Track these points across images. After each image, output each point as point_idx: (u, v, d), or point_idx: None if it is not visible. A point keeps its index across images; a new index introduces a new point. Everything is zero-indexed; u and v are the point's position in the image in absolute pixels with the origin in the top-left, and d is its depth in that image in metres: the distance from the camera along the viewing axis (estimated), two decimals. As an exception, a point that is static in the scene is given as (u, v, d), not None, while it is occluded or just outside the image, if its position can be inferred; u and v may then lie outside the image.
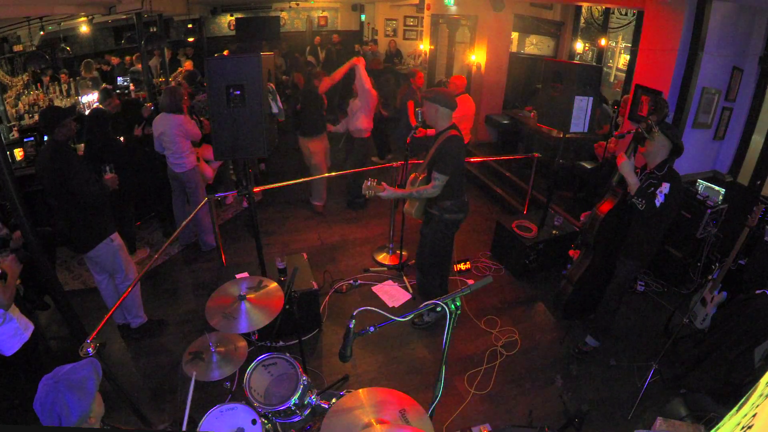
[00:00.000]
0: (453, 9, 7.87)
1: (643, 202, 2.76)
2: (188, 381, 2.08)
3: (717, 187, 4.02)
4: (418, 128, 3.80)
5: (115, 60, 8.19)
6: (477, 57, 7.60)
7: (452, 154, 3.08)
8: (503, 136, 7.16)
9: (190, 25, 10.22)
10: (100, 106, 4.84)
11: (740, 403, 0.92)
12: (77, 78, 6.94)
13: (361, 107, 5.14)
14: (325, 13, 12.63)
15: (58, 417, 1.42)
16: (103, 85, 6.40)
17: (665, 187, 2.73)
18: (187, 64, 8.13)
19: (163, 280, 4.31)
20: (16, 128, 5.42)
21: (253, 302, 2.40)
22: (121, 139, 4.43)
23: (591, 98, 3.63)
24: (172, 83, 6.56)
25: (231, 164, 5.78)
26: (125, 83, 7.10)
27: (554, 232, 4.36)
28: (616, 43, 6.86)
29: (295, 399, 2.10)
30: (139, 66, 7.50)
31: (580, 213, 3.55)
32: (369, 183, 3.03)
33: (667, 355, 3.01)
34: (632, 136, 2.93)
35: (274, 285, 2.53)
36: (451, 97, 3.15)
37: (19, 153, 4.82)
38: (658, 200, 2.73)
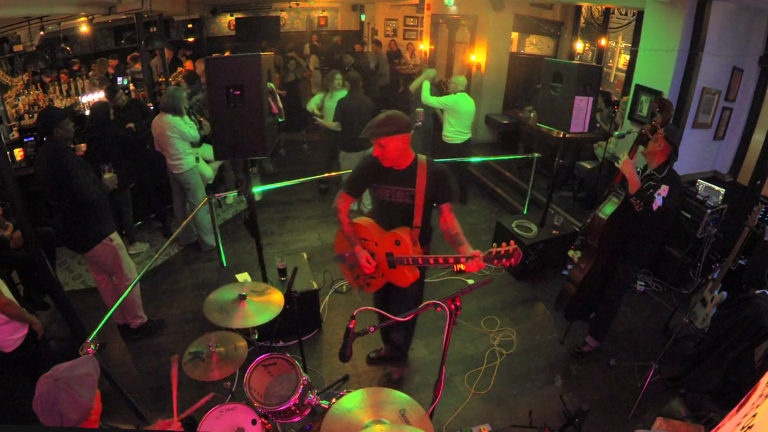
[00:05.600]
0: (453, 9, 7.87)
1: (641, 204, 2.76)
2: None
3: (717, 187, 4.01)
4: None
5: (113, 62, 8.19)
6: (477, 57, 7.60)
7: (448, 175, 2.53)
8: (503, 136, 7.16)
9: (190, 25, 10.22)
10: (106, 99, 4.88)
11: (740, 403, 0.92)
12: (90, 74, 6.95)
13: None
14: (325, 13, 12.63)
15: (59, 415, 1.41)
16: (109, 83, 6.41)
17: (664, 191, 2.73)
18: (188, 64, 8.13)
19: (163, 280, 4.31)
20: (16, 128, 5.42)
21: (253, 302, 2.40)
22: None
23: (591, 98, 3.64)
24: (172, 83, 6.56)
25: (231, 164, 5.78)
26: (125, 83, 7.10)
27: (554, 232, 4.36)
28: (616, 43, 6.85)
29: (295, 399, 2.10)
30: (136, 66, 7.49)
31: (580, 213, 3.55)
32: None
33: (667, 355, 3.01)
34: (636, 137, 2.93)
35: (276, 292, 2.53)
36: (404, 117, 2.42)
37: (19, 153, 4.82)
38: (656, 204, 2.73)
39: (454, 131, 5.27)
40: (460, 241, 2.38)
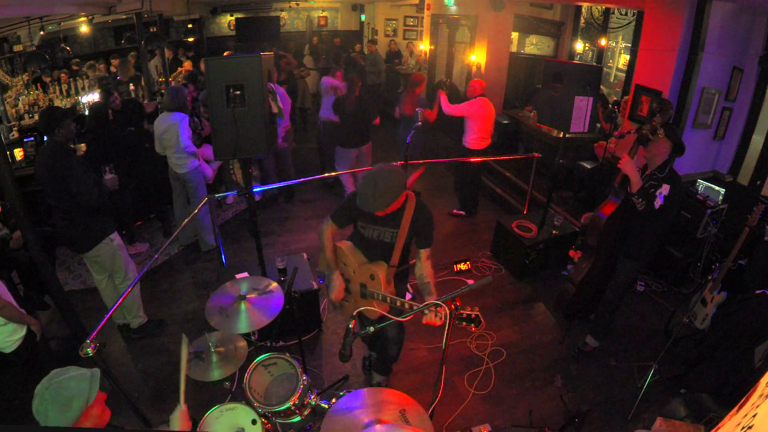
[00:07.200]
0: (453, 9, 7.88)
1: (643, 202, 2.77)
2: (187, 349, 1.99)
3: (717, 187, 4.02)
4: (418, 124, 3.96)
5: (115, 62, 8.19)
6: (477, 57, 7.61)
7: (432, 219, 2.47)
8: (503, 136, 7.16)
9: (190, 25, 10.22)
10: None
11: (740, 403, 0.93)
12: (89, 74, 6.93)
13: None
14: (325, 13, 12.63)
15: (40, 422, 1.45)
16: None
17: (665, 189, 2.74)
18: (187, 64, 8.13)
19: (163, 280, 4.31)
20: (16, 128, 5.42)
21: (253, 302, 2.40)
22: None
23: (591, 98, 3.64)
24: (173, 83, 6.56)
25: (231, 164, 5.79)
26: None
27: (554, 232, 4.36)
28: (616, 43, 6.86)
29: (295, 399, 2.10)
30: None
31: (580, 213, 3.54)
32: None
33: (667, 355, 3.01)
34: (636, 137, 2.93)
35: (275, 285, 2.54)
36: (400, 172, 2.31)
37: (19, 153, 4.82)
38: (657, 202, 2.74)
39: (475, 137, 5.05)
40: (429, 291, 2.35)
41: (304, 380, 2.17)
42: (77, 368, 1.57)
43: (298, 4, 11.54)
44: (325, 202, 5.84)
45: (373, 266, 2.43)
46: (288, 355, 2.35)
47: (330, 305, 2.74)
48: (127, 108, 4.95)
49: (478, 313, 1.94)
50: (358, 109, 5.00)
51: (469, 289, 1.83)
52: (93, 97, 5.97)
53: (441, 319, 2.04)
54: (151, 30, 7.38)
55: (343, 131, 5.13)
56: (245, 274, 3.43)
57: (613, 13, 6.44)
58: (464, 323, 1.94)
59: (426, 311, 2.08)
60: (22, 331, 2.54)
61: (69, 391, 1.49)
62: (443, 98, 5.08)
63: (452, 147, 7.45)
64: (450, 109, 5.01)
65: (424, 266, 2.42)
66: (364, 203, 2.19)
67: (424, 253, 2.42)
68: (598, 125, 5.47)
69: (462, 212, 5.54)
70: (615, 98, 6.26)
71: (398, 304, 2.29)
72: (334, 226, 2.54)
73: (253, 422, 2.00)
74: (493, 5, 6.81)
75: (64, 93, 6.61)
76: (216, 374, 2.25)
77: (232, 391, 2.79)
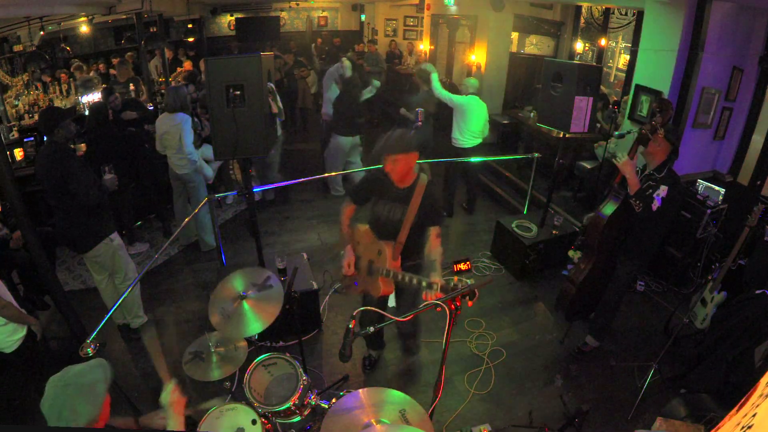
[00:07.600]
0: (453, 9, 7.88)
1: (640, 204, 2.77)
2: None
3: (717, 187, 4.02)
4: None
5: (116, 61, 8.19)
6: (477, 57, 7.61)
7: (439, 199, 2.73)
8: (503, 136, 7.16)
9: (190, 25, 10.22)
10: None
11: (740, 403, 0.93)
12: (79, 75, 6.92)
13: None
14: (325, 13, 12.64)
15: (66, 421, 1.41)
16: (104, 84, 6.43)
17: (663, 191, 2.74)
18: (187, 64, 8.13)
19: (163, 280, 4.31)
20: (16, 128, 5.42)
21: (253, 303, 2.39)
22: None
23: (591, 98, 3.63)
24: (173, 83, 6.56)
25: (231, 164, 5.79)
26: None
27: (554, 232, 4.36)
28: (616, 43, 6.85)
29: (295, 399, 2.10)
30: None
31: (580, 213, 3.54)
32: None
33: (667, 355, 3.01)
34: (636, 137, 2.93)
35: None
36: (414, 137, 2.59)
37: (19, 153, 4.82)
38: (655, 204, 2.73)
39: (463, 135, 5.08)
40: (434, 268, 2.49)
41: (304, 380, 2.17)
42: (74, 366, 1.56)
43: (298, 4, 11.55)
44: (325, 201, 5.84)
45: (382, 243, 2.57)
46: (288, 355, 2.35)
47: (338, 288, 2.84)
48: (127, 108, 4.98)
49: (467, 285, 2.01)
50: (357, 102, 5.43)
51: (469, 288, 1.84)
52: (93, 97, 5.97)
53: (437, 293, 2.19)
54: (151, 30, 7.38)
55: (342, 119, 5.50)
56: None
57: (613, 13, 6.43)
58: (459, 297, 1.99)
59: (424, 283, 2.26)
60: (22, 331, 2.54)
61: (89, 378, 1.48)
62: (434, 76, 5.10)
63: (446, 146, 7.46)
64: (438, 91, 5.07)
65: (433, 244, 2.54)
66: (380, 146, 2.46)
67: (433, 231, 2.56)
68: (598, 125, 5.47)
69: None
70: (615, 98, 6.26)
71: (400, 278, 2.42)
72: (351, 204, 2.75)
73: (253, 422, 2.00)
74: (493, 5, 6.81)
75: (64, 93, 6.61)
76: (216, 374, 2.25)
77: (232, 391, 2.79)
